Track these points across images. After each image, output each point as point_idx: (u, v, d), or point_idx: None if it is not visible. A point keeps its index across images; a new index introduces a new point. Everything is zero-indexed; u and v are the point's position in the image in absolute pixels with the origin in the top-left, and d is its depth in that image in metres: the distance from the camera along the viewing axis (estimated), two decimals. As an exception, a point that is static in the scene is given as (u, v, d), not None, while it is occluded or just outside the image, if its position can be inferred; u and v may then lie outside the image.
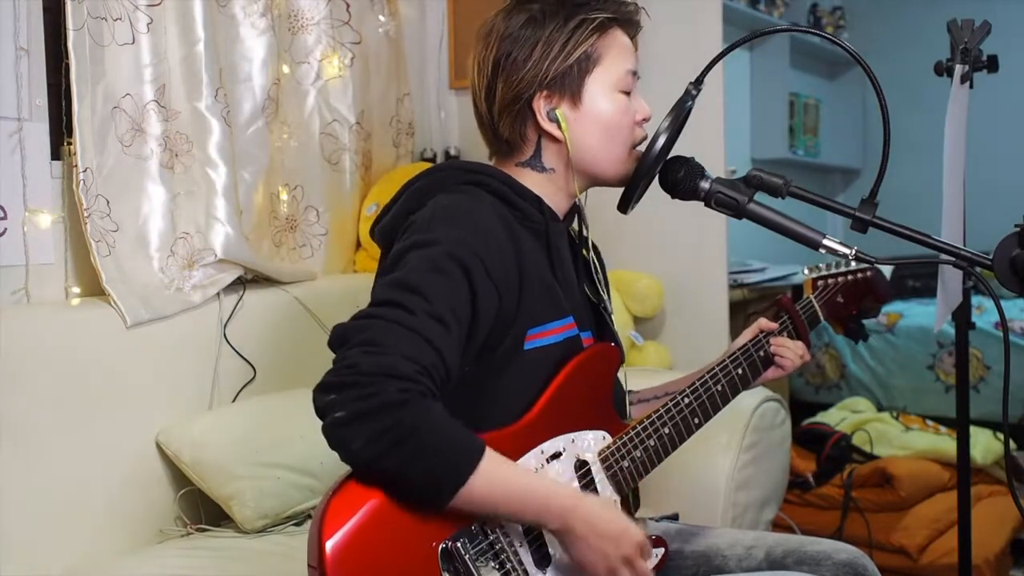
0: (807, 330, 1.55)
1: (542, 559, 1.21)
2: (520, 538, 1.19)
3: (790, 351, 1.50)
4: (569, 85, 1.29)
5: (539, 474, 1.22)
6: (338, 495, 1.08)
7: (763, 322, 1.52)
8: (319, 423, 1.08)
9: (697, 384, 1.41)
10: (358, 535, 1.07)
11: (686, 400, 1.39)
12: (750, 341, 1.49)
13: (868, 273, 1.64)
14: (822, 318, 1.61)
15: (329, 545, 1.05)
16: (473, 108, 1.36)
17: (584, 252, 1.44)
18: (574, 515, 1.15)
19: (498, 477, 1.11)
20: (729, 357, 1.46)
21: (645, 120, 1.35)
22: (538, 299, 1.26)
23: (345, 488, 1.09)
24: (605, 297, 1.43)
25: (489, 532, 1.16)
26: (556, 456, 1.25)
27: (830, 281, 1.63)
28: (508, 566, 1.16)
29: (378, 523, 1.09)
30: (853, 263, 1.58)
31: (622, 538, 1.17)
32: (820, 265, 1.66)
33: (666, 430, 1.35)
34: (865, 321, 1.68)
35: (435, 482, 1.08)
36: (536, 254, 1.28)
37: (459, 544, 1.12)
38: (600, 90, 1.30)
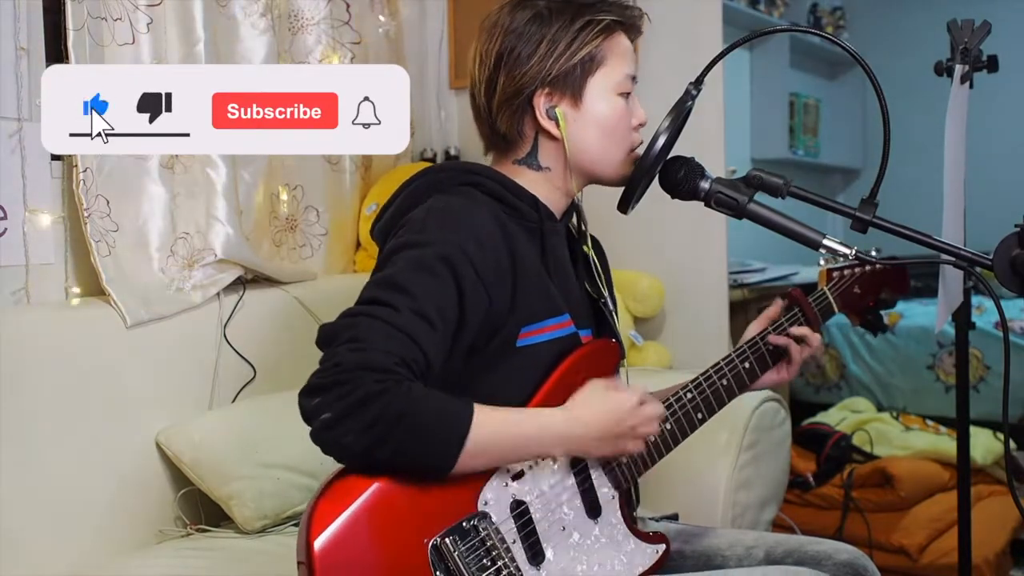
0: (819, 322, 1.53)
1: (535, 556, 1.21)
2: (513, 535, 1.19)
3: (807, 345, 1.47)
4: (571, 85, 1.29)
5: (529, 412, 1.23)
6: (328, 491, 1.09)
7: (772, 312, 1.51)
8: None
9: (701, 379, 1.40)
10: (348, 531, 1.07)
11: (689, 395, 1.38)
12: (758, 334, 1.48)
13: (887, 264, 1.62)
14: (836, 309, 1.58)
15: (318, 541, 1.05)
16: (471, 101, 1.36)
17: (584, 248, 1.43)
18: (570, 439, 1.21)
19: (493, 431, 1.14)
20: (736, 351, 1.45)
21: (641, 125, 1.35)
22: (533, 297, 1.26)
23: (336, 484, 1.10)
24: (605, 293, 1.43)
25: (481, 529, 1.16)
26: None
27: (846, 272, 1.60)
28: (500, 563, 1.16)
29: (368, 519, 1.09)
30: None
31: (621, 422, 1.23)
32: (826, 254, 1.63)
33: (667, 426, 1.35)
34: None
35: (435, 455, 1.10)
36: (531, 253, 1.28)
37: (449, 541, 1.13)
38: (600, 92, 1.31)
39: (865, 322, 1.65)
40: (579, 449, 1.25)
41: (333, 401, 1.07)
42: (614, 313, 1.44)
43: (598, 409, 1.23)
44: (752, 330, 1.50)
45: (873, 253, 1.51)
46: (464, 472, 1.13)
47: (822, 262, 1.62)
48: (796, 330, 1.47)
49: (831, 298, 1.58)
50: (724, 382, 1.42)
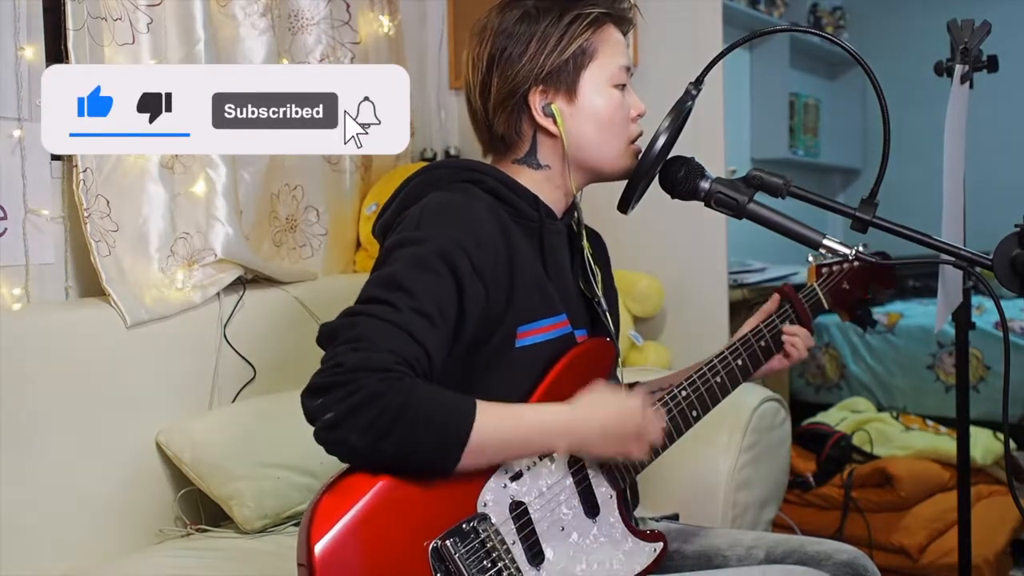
0: (810, 318, 1.55)
1: (535, 556, 1.21)
2: (513, 536, 1.19)
3: (800, 339, 1.50)
4: (564, 80, 1.29)
5: (532, 407, 1.24)
6: (329, 493, 1.09)
7: (768, 307, 1.52)
8: None
9: (695, 376, 1.41)
10: (348, 534, 1.07)
11: (683, 393, 1.38)
12: (751, 331, 1.49)
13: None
14: (827, 305, 1.59)
15: (318, 543, 1.05)
16: (467, 105, 1.36)
17: (582, 246, 1.43)
18: (573, 433, 1.21)
19: (496, 426, 1.14)
20: (728, 348, 1.46)
21: (640, 115, 1.35)
22: (530, 296, 1.27)
23: (336, 486, 1.10)
24: (600, 293, 1.43)
25: (481, 531, 1.16)
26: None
27: (835, 268, 1.62)
28: (500, 564, 1.16)
29: (368, 522, 1.09)
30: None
31: (624, 421, 1.23)
32: (825, 253, 1.65)
33: (663, 424, 1.35)
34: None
35: (438, 450, 1.10)
36: (529, 252, 1.29)
37: (450, 543, 1.13)
38: (595, 85, 1.31)
39: (855, 317, 1.66)
40: (582, 444, 1.24)
41: (336, 402, 1.07)
42: (613, 311, 1.44)
43: (603, 407, 1.23)
44: (749, 325, 1.51)
45: (860, 249, 1.53)
46: (467, 470, 1.13)
47: (811, 258, 1.63)
48: (786, 327, 1.50)
49: (821, 294, 1.59)
50: (718, 379, 1.42)
